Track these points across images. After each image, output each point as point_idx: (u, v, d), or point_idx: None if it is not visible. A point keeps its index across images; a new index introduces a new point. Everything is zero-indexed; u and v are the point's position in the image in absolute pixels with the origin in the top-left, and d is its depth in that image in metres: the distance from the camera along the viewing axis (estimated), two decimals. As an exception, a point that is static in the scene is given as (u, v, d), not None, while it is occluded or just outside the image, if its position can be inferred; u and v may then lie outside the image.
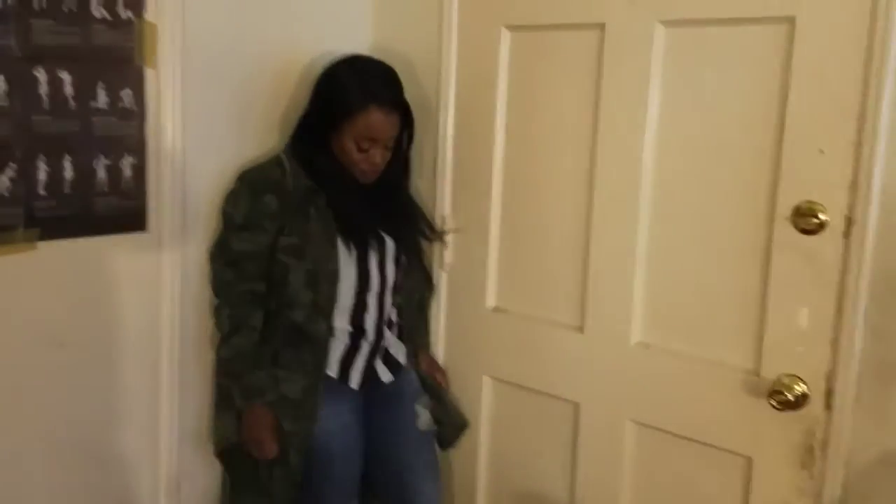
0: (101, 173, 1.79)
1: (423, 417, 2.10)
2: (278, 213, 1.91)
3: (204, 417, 2.09)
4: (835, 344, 1.57)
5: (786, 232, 1.60)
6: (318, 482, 1.98)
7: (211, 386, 2.07)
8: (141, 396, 1.97)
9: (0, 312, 1.71)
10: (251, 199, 1.91)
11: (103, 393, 1.91)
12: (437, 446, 2.15)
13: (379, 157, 1.95)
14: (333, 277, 1.93)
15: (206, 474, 2.13)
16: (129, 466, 1.99)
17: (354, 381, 2.00)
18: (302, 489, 1.99)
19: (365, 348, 2.01)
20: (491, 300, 2.15)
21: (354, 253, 1.95)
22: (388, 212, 2.06)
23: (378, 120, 1.91)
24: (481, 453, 2.22)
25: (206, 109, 1.97)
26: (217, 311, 1.95)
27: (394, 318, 2.09)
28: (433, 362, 2.24)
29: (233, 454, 2.00)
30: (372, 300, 2.00)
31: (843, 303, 1.55)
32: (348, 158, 1.95)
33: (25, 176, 1.68)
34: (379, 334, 2.03)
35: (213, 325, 1.98)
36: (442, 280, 2.23)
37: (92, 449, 1.91)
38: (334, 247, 1.93)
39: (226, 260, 1.94)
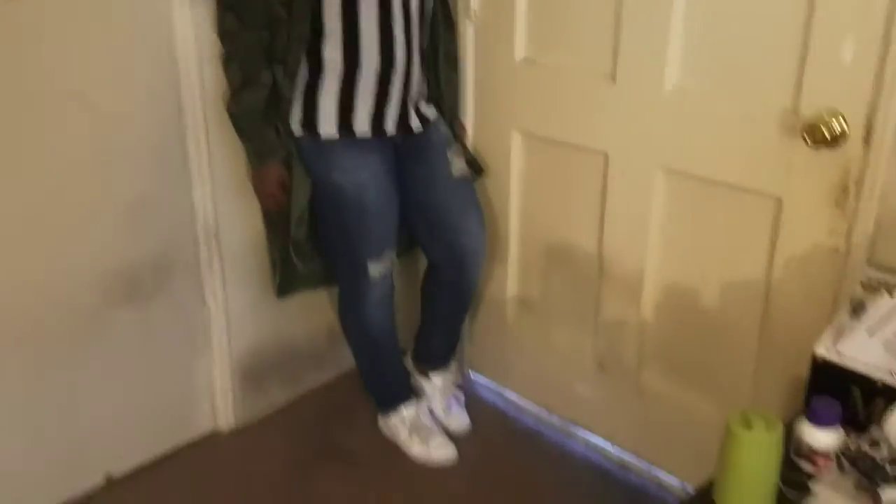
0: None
1: (457, 164, 2.10)
2: None
3: (237, 171, 2.09)
4: (878, 77, 1.48)
5: (833, -45, 1.48)
6: (355, 234, 2.00)
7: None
8: (168, 146, 1.98)
9: (13, 62, 1.68)
10: None
11: (130, 144, 1.91)
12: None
13: None
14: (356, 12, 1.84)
15: (243, 225, 2.17)
16: (167, 217, 2.03)
17: (390, 125, 1.97)
18: (339, 242, 2.03)
19: (396, 88, 1.93)
20: (520, 51, 2.07)
21: None
22: None
23: None
24: (512, 208, 2.23)
25: None
26: (226, 63, 1.90)
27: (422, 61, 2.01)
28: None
29: None
30: (398, 30, 1.89)
31: (891, 30, 1.45)
32: None
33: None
34: (408, 70, 1.95)
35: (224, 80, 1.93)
36: (468, 32, 2.14)
37: (127, 198, 1.94)
38: None
39: (226, 3, 1.85)
